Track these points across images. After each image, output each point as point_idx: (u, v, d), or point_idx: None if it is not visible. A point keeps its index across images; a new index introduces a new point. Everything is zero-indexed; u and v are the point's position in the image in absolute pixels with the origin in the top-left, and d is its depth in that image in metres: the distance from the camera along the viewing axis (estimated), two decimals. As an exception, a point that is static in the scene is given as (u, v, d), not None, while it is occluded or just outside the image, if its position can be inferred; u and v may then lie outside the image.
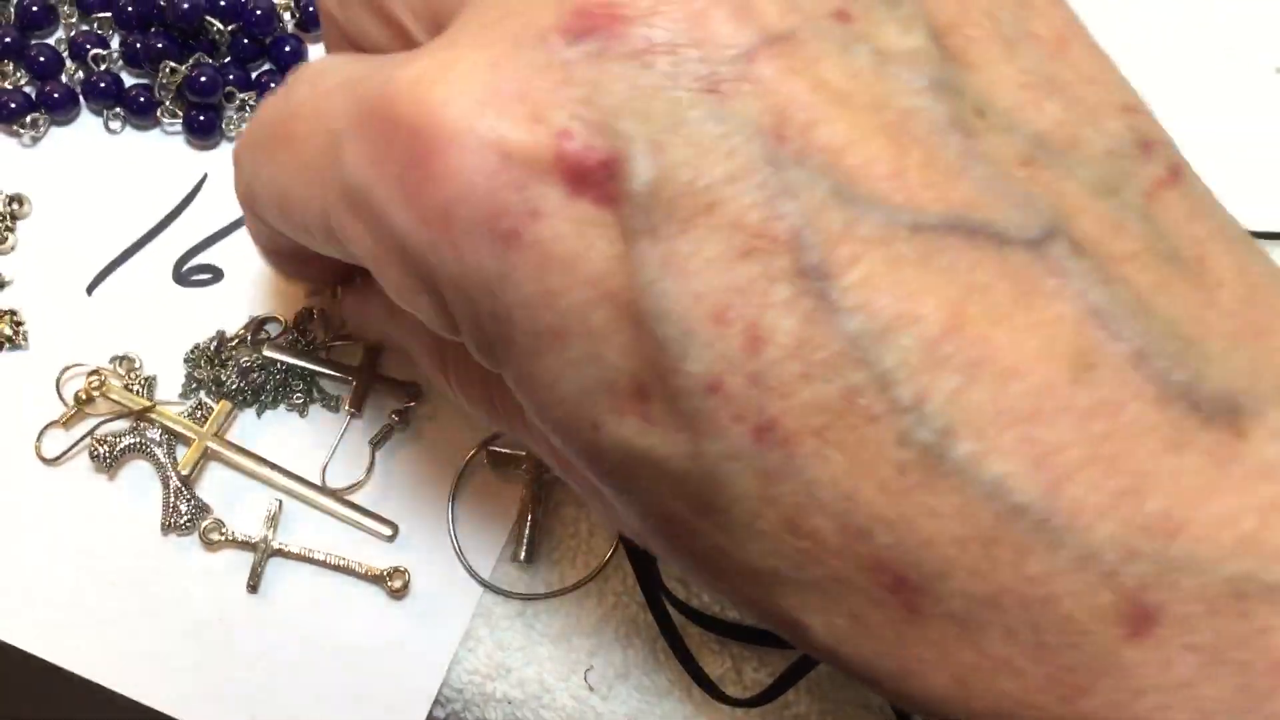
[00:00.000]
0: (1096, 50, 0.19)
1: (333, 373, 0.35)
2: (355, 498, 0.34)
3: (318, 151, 0.21)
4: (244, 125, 0.27)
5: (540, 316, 0.18)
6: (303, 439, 0.34)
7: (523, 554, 0.33)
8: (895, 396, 0.16)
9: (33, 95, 0.38)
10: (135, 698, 0.32)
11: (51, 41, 0.39)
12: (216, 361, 0.35)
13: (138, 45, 0.38)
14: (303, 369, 0.35)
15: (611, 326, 0.17)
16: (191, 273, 0.36)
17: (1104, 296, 0.17)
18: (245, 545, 0.33)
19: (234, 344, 0.35)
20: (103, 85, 0.38)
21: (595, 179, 0.17)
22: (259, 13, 0.38)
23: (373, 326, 0.33)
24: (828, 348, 0.16)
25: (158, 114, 0.38)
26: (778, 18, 0.17)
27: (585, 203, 0.17)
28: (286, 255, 0.29)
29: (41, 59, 0.38)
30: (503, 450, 0.34)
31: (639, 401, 0.17)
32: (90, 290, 0.36)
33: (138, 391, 0.34)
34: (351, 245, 0.20)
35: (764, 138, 0.16)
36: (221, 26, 0.38)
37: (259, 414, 0.35)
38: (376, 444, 0.34)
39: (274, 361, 0.35)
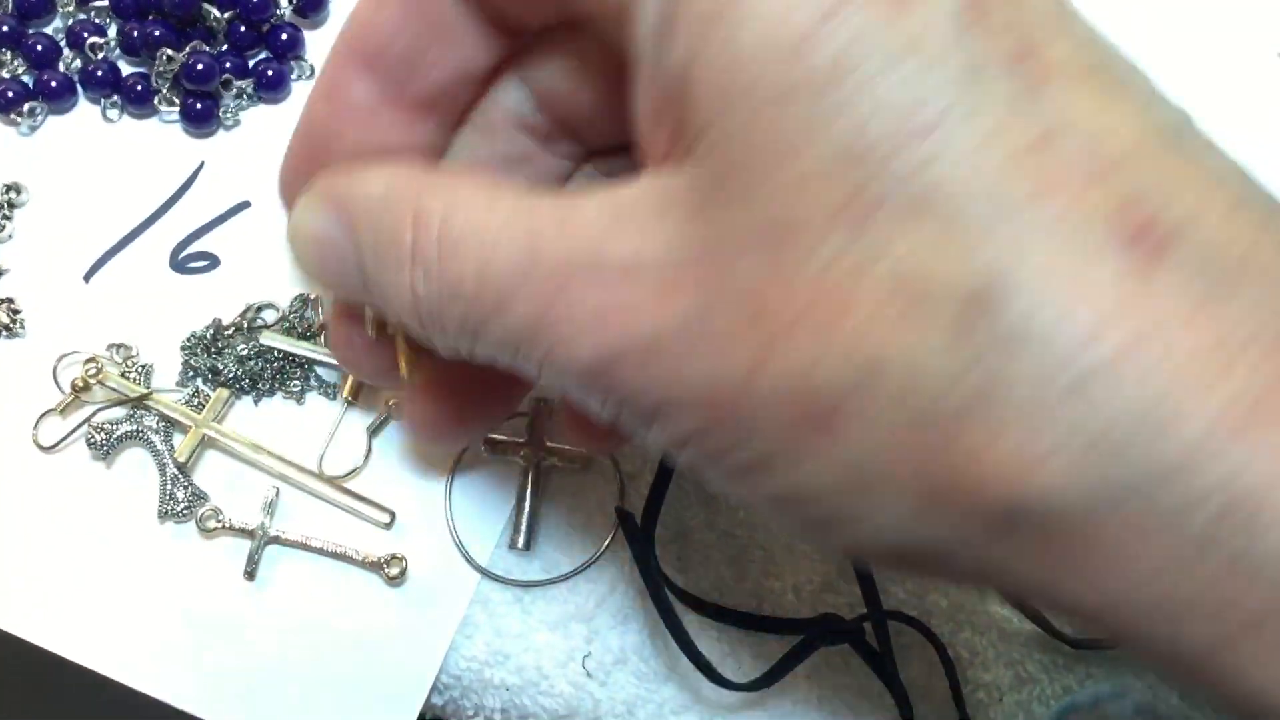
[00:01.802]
0: None
1: (330, 360, 0.35)
2: (353, 485, 0.34)
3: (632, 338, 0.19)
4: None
5: None
6: (300, 427, 0.34)
7: (520, 540, 0.33)
8: (1147, 87, 0.18)
9: (30, 84, 0.38)
10: (131, 684, 0.32)
11: (49, 30, 0.39)
12: (213, 349, 0.35)
13: (135, 34, 0.38)
14: (300, 356, 0.35)
15: None
16: (188, 260, 0.36)
17: None
18: (242, 532, 0.33)
19: (230, 332, 0.35)
20: (100, 74, 0.38)
21: None
22: (255, 0, 0.38)
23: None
24: (1081, 28, 0.17)
25: (155, 102, 0.38)
26: None
27: None
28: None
29: (39, 48, 0.38)
30: (500, 437, 0.34)
31: (901, 5, 0.17)
32: (87, 278, 0.36)
33: (134, 379, 0.34)
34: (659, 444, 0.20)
35: None
36: (218, 14, 0.38)
37: (256, 402, 0.35)
38: (373, 432, 0.34)
39: (271, 349, 0.35)
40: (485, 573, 0.33)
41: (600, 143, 0.26)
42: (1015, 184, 0.16)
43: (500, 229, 0.20)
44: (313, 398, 0.35)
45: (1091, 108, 0.16)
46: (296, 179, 0.24)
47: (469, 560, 0.33)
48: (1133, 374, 0.15)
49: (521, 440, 0.34)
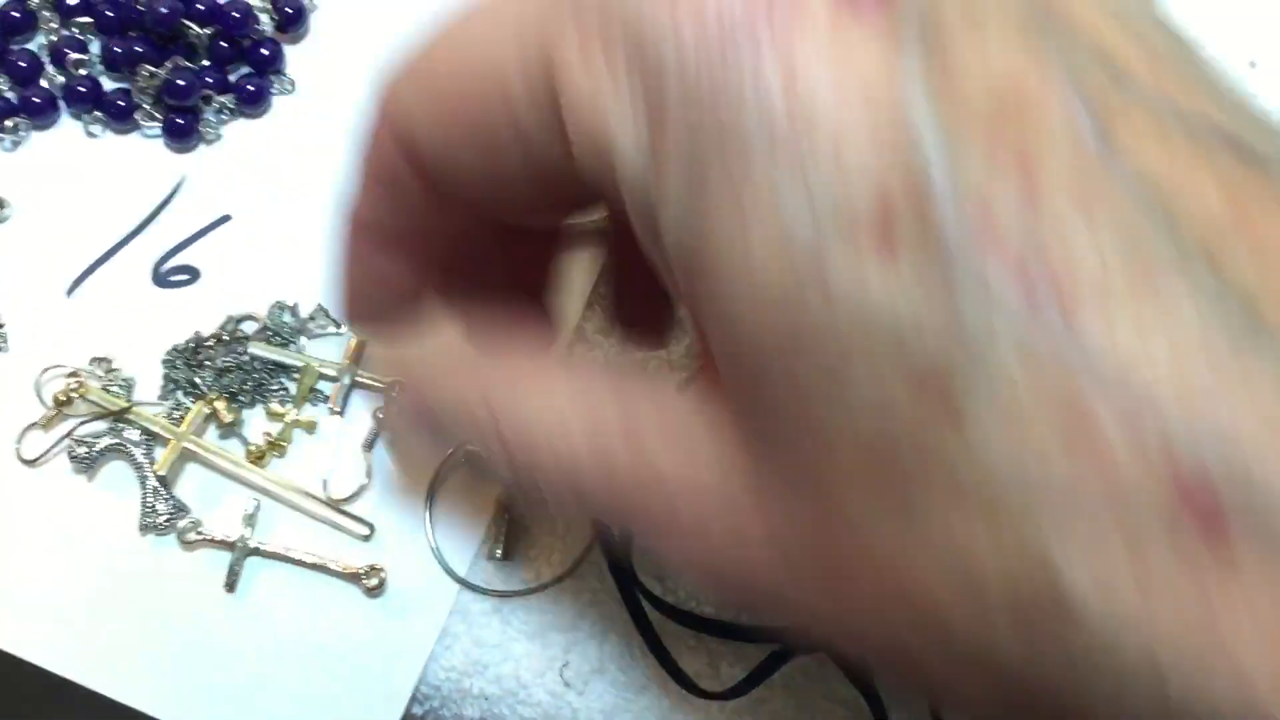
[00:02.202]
0: None
1: (305, 362, 0.35)
2: (332, 495, 0.34)
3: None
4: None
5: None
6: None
7: (499, 551, 0.33)
8: (1194, 267, 0.14)
9: (13, 100, 0.38)
10: (112, 696, 0.32)
11: (32, 47, 0.39)
12: (194, 363, 0.35)
13: (116, 49, 0.38)
14: (287, 365, 0.35)
15: (861, 132, 0.14)
16: (170, 274, 0.36)
17: None
18: (222, 545, 0.33)
19: (211, 344, 0.35)
20: (82, 90, 0.38)
21: None
22: (236, 15, 0.38)
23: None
24: (1110, 196, 0.14)
25: (136, 117, 0.38)
26: None
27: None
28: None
29: (22, 64, 0.38)
30: (480, 449, 0.34)
31: (882, 233, 0.14)
32: (70, 292, 0.36)
33: (116, 393, 0.34)
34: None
35: None
36: (199, 30, 0.38)
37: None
38: (369, 447, 0.34)
39: (251, 361, 0.35)
40: (464, 583, 0.33)
41: None
42: (1050, 460, 0.14)
43: (568, 434, 0.21)
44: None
45: (1124, 333, 0.13)
46: (364, 316, 0.27)
47: (448, 571, 0.33)
48: (1208, 692, 0.13)
49: (500, 451, 0.34)
